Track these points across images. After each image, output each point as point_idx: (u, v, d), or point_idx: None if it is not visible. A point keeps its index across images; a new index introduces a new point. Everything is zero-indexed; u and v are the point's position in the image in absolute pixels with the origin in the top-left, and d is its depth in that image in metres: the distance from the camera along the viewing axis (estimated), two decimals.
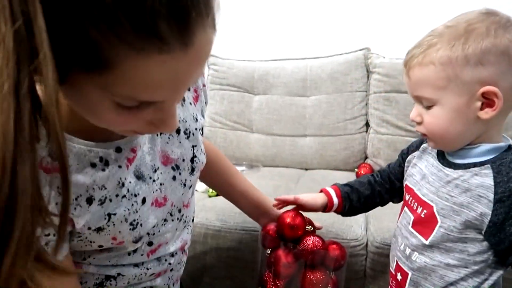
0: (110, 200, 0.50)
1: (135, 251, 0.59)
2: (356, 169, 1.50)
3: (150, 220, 0.56)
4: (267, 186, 1.31)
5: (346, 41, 1.79)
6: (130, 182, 0.52)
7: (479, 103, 0.56)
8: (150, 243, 0.60)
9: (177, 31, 0.33)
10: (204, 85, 0.66)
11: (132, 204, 0.53)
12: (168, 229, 0.61)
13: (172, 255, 0.65)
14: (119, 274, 0.59)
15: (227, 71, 1.68)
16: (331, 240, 0.83)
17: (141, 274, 0.61)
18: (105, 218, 0.50)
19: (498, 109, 0.55)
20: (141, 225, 0.55)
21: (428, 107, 0.61)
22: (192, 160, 0.61)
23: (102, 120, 0.41)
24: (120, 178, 0.51)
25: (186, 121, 0.60)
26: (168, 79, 0.36)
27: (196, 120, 0.62)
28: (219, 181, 0.87)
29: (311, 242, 0.77)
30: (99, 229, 0.51)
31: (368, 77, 1.57)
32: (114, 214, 0.51)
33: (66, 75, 0.34)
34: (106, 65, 0.33)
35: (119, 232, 0.53)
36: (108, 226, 0.51)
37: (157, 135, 0.56)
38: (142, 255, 0.60)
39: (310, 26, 1.85)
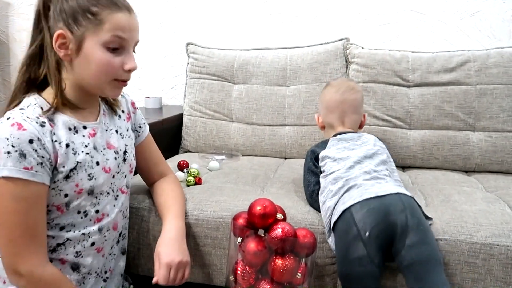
0: (79, 154, 0.81)
1: (86, 215, 0.85)
2: None
3: (100, 178, 0.86)
4: (247, 175, 1.32)
5: (325, 31, 1.80)
6: (90, 148, 0.84)
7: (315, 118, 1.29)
8: (97, 211, 0.87)
9: (125, 5, 0.80)
10: (134, 111, 1.04)
11: (90, 161, 0.84)
12: (107, 201, 0.89)
13: (108, 230, 0.90)
14: (68, 239, 0.83)
15: (207, 59, 1.68)
16: (301, 228, 0.85)
17: (84, 240, 0.85)
18: (74, 163, 0.80)
19: (321, 125, 1.25)
20: (95, 179, 0.84)
21: None
22: (124, 153, 0.94)
23: (100, 68, 0.78)
24: (84, 142, 0.84)
25: (121, 128, 0.96)
26: (127, 25, 0.79)
27: (127, 130, 0.98)
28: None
29: (281, 229, 0.79)
30: (67, 177, 0.79)
31: (347, 67, 1.58)
32: (80, 163, 0.81)
33: (82, 47, 0.76)
34: (102, 22, 0.76)
35: (81, 179, 0.82)
36: (74, 174, 0.80)
37: (105, 131, 0.90)
38: (90, 220, 0.86)
39: (290, 16, 1.85)
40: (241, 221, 0.85)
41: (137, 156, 1.03)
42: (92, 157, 0.84)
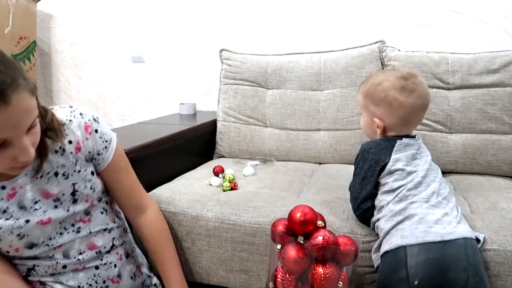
0: None
1: (45, 251, 0.79)
2: None
3: (36, 232, 0.78)
4: (282, 180, 1.32)
5: (360, 34, 1.77)
6: (13, 210, 0.75)
7: (376, 124, 1.00)
8: (55, 248, 0.81)
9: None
10: (89, 137, 0.82)
11: (15, 223, 0.75)
12: (65, 239, 0.82)
13: (80, 253, 0.84)
14: (34, 265, 0.80)
15: (240, 65, 1.69)
16: (342, 235, 0.83)
17: (53, 265, 0.81)
18: None
19: (383, 130, 1.00)
20: (27, 235, 0.77)
21: (361, 114, 1.07)
22: (73, 194, 0.82)
23: None
24: (2, 207, 0.75)
25: (65, 166, 0.80)
26: (5, 123, 0.61)
27: (76, 164, 0.81)
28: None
29: (322, 237, 0.78)
30: None
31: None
32: (0, 228, 0.74)
33: None
34: None
35: (11, 241, 0.76)
36: (1, 237, 0.75)
37: (38, 178, 0.77)
38: (54, 249, 0.80)
39: (324, 20, 1.83)
40: (280, 227, 0.84)
41: (105, 184, 0.91)
42: (17, 219, 0.76)
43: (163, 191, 1.20)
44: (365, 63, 1.55)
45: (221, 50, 1.75)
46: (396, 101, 0.96)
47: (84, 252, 0.85)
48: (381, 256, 0.88)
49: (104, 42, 2.22)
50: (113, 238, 0.92)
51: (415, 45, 1.70)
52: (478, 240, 0.88)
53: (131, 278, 0.96)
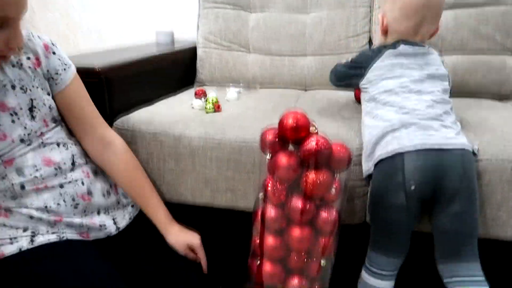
0: None
1: None
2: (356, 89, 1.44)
3: None
4: (266, 107, 1.26)
5: None
6: None
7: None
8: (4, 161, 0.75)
9: None
10: (48, 56, 0.81)
11: None
12: (26, 151, 0.77)
13: (37, 169, 0.78)
14: None
15: None
16: (335, 142, 0.79)
17: (9, 187, 0.76)
18: None
19: (384, 29, 1.01)
20: None
21: None
22: (30, 110, 0.78)
23: None
24: None
25: (23, 80, 0.77)
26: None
27: (34, 80, 0.79)
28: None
29: (315, 142, 0.74)
30: None
31: None
32: None
33: None
34: None
35: None
36: None
37: None
38: None
39: None
40: (270, 137, 0.80)
41: (61, 110, 0.85)
42: None
43: (143, 113, 1.13)
44: None
45: None
46: None
47: (40, 168, 0.79)
48: (376, 164, 0.86)
49: None
50: (73, 155, 0.85)
51: None
52: (474, 154, 0.86)
53: (103, 196, 0.88)
